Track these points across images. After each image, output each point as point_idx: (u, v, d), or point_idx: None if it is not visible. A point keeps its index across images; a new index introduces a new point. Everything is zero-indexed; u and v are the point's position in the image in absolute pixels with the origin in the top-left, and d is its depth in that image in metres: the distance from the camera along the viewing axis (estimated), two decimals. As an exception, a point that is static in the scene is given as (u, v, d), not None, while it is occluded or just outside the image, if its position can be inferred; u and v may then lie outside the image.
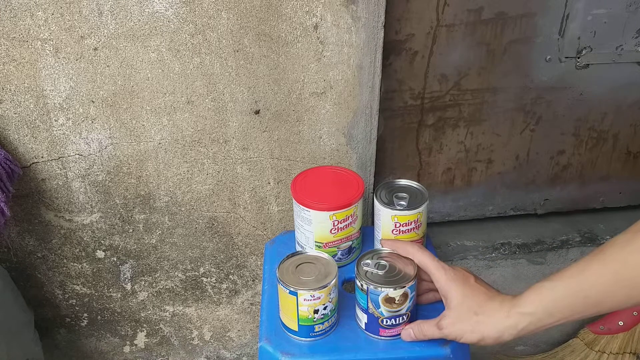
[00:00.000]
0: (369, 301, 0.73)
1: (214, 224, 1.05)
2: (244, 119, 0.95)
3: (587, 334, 1.22)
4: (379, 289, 0.72)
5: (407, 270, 0.75)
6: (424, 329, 0.73)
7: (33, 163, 0.94)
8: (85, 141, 0.93)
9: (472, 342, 0.69)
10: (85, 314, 1.13)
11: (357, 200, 0.85)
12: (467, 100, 1.07)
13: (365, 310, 0.74)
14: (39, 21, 0.83)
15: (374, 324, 0.75)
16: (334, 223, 0.84)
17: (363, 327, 0.76)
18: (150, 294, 1.12)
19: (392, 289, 0.71)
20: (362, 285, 0.73)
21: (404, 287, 0.72)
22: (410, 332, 0.74)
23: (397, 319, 0.74)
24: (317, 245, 0.86)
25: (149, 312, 1.14)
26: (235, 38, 0.88)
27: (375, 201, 0.85)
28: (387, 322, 0.74)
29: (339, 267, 0.77)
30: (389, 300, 0.72)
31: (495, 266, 1.18)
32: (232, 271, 1.11)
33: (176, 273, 1.10)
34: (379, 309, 0.73)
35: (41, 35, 0.84)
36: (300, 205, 0.84)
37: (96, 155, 0.95)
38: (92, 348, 1.18)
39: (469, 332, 0.68)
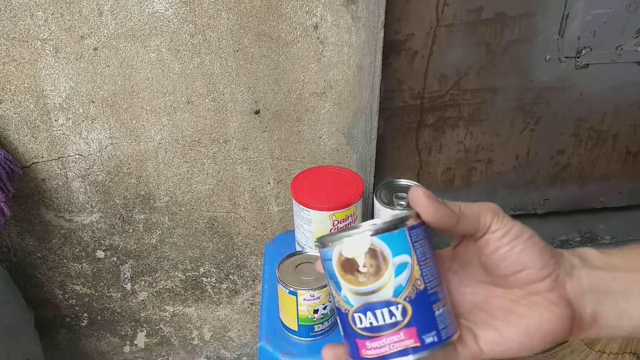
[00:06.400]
0: (329, 281, 0.39)
1: (214, 224, 1.05)
2: (244, 119, 0.95)
3: (587, 333, 1.22)
4: (331, 244, 0.38)
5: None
6: None
7: (33, 163, 0.94)
8: (85, 141, 0.93)
9: None
10: (85, 314, 1.13)
11: (356, 200, 0.85)
12: (467, 100, 1.07)
13: (337, 311, 0.40)
14: (39, 21, 0.83)
15: (346, 330, 0.39)
16: (333, 223, 0.84)
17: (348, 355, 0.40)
18: (150, 294, 1.12)
19: (346, 239, 0.37)
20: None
21: (368, 231, 0.37)
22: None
23: (381, 314, 0.37)
24: (316, 245, 0.86)
25: (149, 312, 1.14)
26: (235, 38, 0.88)
27: (375, 201, 0.85)
28: (361, 320, 0.38)
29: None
30: (348, 267, 0.37)
31: (495, 266, 1.18)
32: (232, 271, 1.11)
33: (176, 273, 1.10)
34: (341, 292, 0.38)
35: (41, 35, 0.84)
36: (300, 205, 0.84)
37: (96, 155, 0.95)
38: (92, 348, 1.18)
39: None
